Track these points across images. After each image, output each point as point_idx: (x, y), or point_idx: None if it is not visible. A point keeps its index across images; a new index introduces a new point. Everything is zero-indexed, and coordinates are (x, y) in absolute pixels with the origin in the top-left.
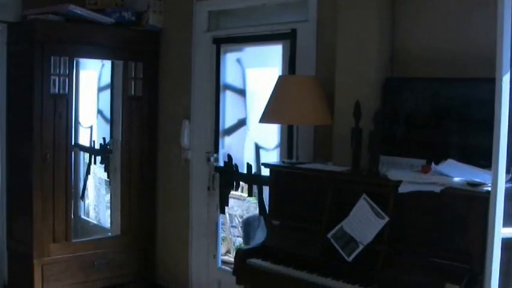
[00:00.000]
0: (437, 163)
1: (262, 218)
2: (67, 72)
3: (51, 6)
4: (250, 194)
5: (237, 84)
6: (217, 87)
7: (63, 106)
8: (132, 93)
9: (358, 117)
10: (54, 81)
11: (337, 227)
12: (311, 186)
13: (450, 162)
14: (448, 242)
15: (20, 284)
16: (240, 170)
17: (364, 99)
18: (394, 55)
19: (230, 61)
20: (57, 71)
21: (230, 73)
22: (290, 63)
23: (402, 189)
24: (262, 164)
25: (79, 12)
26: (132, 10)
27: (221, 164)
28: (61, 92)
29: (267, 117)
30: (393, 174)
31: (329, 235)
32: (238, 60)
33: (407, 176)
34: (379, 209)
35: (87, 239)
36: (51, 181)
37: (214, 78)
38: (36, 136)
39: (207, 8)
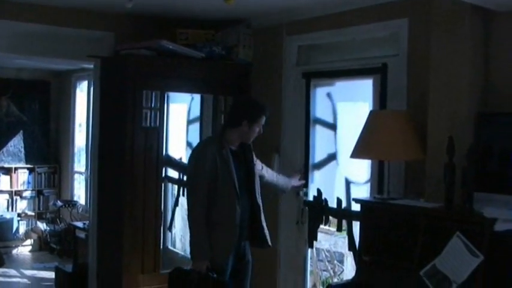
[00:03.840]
0: None
1: None
2: (158, 105)
3: (143, 41)
4: (339, 229)
5: (327, 118)
6: (307, 121)
7: (154, 139)
8: None
9: (451, 153)
10: (145, 114)
11: (430, 265)
12: (403, 223)
13: None
14: None
15: None
16: (329, 205)
17: (457, 134)
18: (488, 90)
19: (320, 95)
20: (149, 105)
21: (320, 107)
22: (381, 97)
23: (498, 227)
24: (353, 199)
25: (171, 47)
26: (222, 45)
27: (310, 198)
28: (152, 125)
29: (358, 152)
30: (489, 212)
31: (422, 273)
32: (329, 95)
33: (504, 214)
34: (473, 247)
35: None
36: (141, 212)
37: (303, 113)
38: (127, 167)
39: (297, 42)
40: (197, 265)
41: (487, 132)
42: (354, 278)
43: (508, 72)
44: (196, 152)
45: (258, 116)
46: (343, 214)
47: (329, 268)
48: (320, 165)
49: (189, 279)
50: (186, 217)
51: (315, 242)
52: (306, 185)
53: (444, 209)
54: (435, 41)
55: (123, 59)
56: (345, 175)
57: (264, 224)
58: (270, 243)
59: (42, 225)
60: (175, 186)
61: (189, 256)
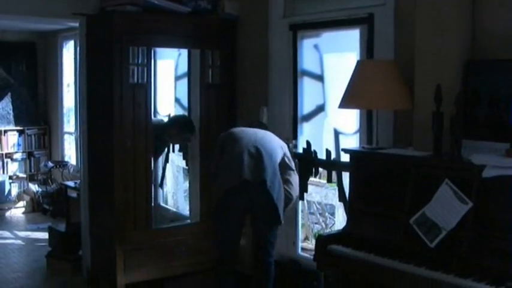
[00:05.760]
0: None
1: None
2: (145, 61)
3: None
4: (329, 180)
5: (315, 70)
6: (294, 73)
7: (142, 95)
8: (210, 81)
9: (439, 101)
10: (132, 71)
11: (419, 213)
12: (392, 172)
13: None
14: None
15: (102, 269)
16: (319, 156)
17: (445, 82)
18: (476, 37)
19: (307, 47)
20: (136, 61)
21: (307, 59)
22: (368, 47)
23: (486, 173)
24: (342, 149)
25: (156, 2)
26: None
27: (300, 150)
28: (140, 81)
29: (346, 102)
30: (477, 159)
31: (411, 221)
32: (316, 46)
33: (492, 160)
34: (462, 194)
35: (167, 226)
36: (132, 169)
37: (291, 65)
38: (116, 125)
39: None
40: None
41: (476, 80)
42: (344, 227)
43: (495, 20)
44: None
45: None
46: (332, 165)
47: (320, 221)
48: (309, 117)
49: None
50: (176, 174)
51: (305, 194)
52: (295, 137)
53: (433, 157)
54: None
55: (109, 16)
56: (333, 126)
57: None
58: None
59: (34, 187)
60: None
61: (181, 213)
